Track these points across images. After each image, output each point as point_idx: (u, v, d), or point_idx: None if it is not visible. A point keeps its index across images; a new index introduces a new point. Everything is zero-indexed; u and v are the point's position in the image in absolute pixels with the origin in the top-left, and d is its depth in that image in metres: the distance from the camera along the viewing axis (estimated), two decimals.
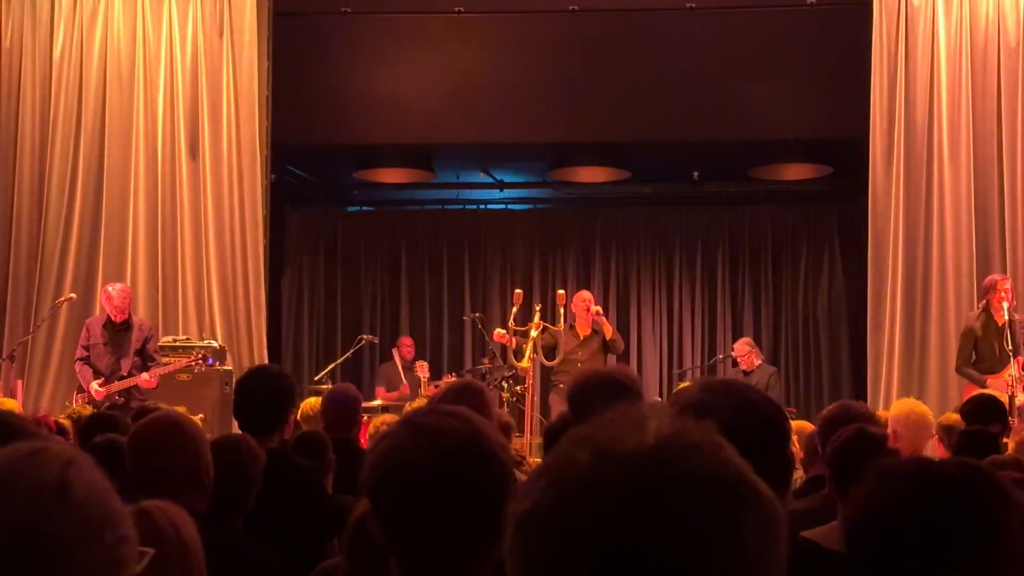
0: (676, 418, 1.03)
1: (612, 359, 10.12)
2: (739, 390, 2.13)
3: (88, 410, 6.53)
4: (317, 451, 4.69)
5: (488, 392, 5.52)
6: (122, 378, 8.58)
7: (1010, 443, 5.18)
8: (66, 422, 5.30)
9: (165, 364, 8.77)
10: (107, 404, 8.28)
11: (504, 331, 9.38)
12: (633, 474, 0.96)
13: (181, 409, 3.21)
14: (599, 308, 9.88)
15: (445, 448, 1.79)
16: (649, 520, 0.95)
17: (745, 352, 11.14)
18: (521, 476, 2.71)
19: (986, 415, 5.66)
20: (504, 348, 10.91)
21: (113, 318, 8.71)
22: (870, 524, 1.72)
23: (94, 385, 8.52)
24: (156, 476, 3.01)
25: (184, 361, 8.85)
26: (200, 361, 8.82)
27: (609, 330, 9.74)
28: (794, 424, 5.45)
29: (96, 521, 1.19)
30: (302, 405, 6.33)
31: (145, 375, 8.54)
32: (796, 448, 5.13)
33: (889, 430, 5.00)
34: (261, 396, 4.29)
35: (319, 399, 5.96)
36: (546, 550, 0.97)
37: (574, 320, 9.78)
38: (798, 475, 4.94)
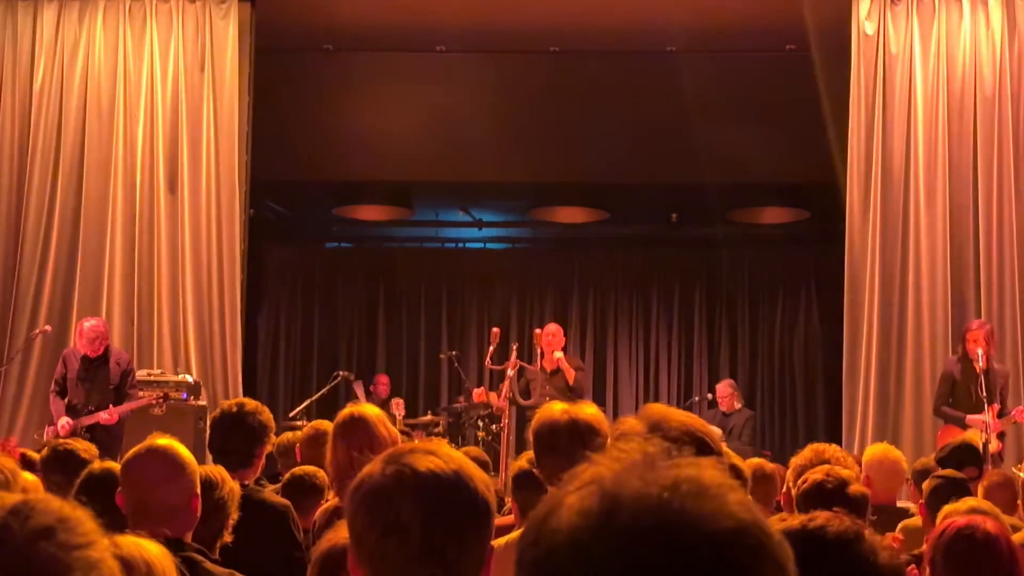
0: (679, 456, 1.02)
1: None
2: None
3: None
4: (308, 491, 4.69)
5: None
6: (89, 413, 8.47)
7: (979, 488, 5.19)
8: (33, 455, 5.27)
9: (126, 401, 8.60)
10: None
11: (481, 390, 9.48)
12: (646, 522, 0.96)
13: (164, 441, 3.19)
14: (561, 355, 9.72)
15: (431, 489, 1.78)
16: (669, 570, 0.94)
17: (727, 394, 11.13)
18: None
19: (961, 460, 5.68)
20: (482, 385, 10.85)
21: (87, 353, 8.64)
22: None
23: (61, 421, 8.41)
24: (153, 505, 3.03)
25: (142, 401, 8.61)
26: (159, 401, 8.66)
27: (571, 375, 9.63)
28: (768, 467, 5.47)
29: None
30: (280, 438, 6.29)
31: (104, 414, 8.41)
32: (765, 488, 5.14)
33: (862, 475, 5.00)
34: (237, 431, 4.28)
35: (298, 433, 5.97)
36: None
37: (542, 355, 9.70)
38: (777, 518, 4.94)
